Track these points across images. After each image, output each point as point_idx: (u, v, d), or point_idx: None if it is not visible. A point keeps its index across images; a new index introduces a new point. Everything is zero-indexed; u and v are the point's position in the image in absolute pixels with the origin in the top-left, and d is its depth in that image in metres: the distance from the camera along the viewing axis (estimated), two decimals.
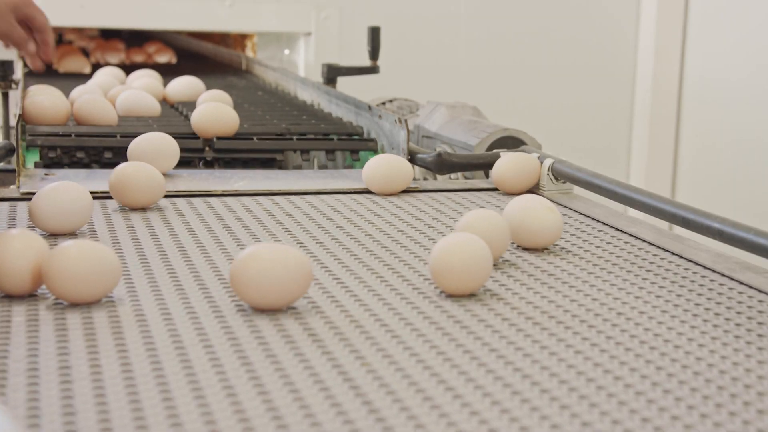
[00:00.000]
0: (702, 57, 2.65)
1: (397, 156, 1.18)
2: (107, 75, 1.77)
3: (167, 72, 1.96)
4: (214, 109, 1.32)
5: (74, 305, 0.74)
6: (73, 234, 0.94)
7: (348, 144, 1.36)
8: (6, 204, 1.07)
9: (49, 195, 0.93)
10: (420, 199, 1.15)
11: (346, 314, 0.74)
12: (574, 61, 2.71)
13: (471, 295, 0.79)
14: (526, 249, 0.93)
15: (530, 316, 0.75)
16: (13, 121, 1.58)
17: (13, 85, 1.79)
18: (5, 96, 1.77)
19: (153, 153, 1.18)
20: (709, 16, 2.63)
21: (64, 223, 0.93)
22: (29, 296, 0.76)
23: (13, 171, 1.22)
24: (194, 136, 1.32)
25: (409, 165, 1.17)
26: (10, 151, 1.20)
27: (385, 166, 1.16)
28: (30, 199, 1.08)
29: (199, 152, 1.30)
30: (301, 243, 0.95)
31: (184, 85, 1.68)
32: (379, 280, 0.83)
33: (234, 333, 0.70)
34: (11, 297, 0.76)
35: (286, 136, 1.37)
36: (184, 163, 1.29)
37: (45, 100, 1.36)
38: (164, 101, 1.66)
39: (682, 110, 2.72)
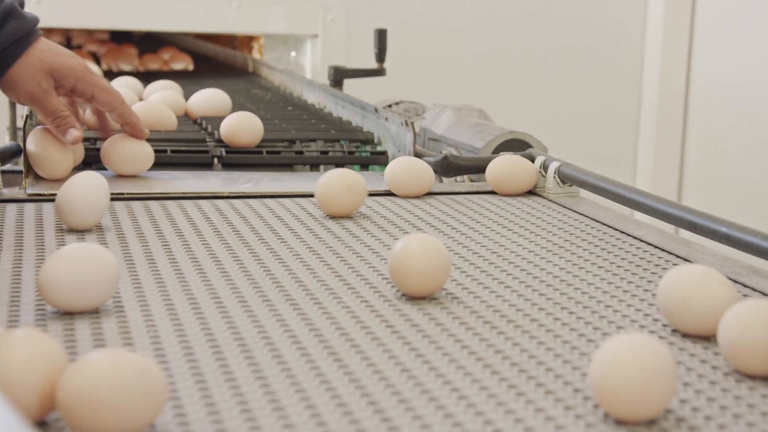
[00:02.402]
0: (709, 61, 2.65)
1: (418, 159, 1.18)
2: (122, 86, 1.61)
3: (181, 79, 1.94)
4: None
5: None
6: (94, 311, 0.73)
7: (358, 159, 1.35)
8: (14, 206, 1.07)
9: (64, 262, 0.72)
10: (442, 203, 1.15)
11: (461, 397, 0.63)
12: (581, 65, 2.71)
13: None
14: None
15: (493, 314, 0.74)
16: (20, 122, 1.58)
17: None
18: None
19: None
20: (715, 20, 2.62)
21: (82, 300, 0.72)
22: (37, 425, 0.55)
23: (20, 172, 1.22)
24: (205, 150, 1.32)
25: (429, 168, 1.17)
26: (17, 152, 1.20)
27: (405, 169, 1.16)
28: (37, 201, 1.08)
29: (208, 167, 1.30)
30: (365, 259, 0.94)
31: (208, 98, 1.54)
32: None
33: None
34: None
35: (296, 146, 1.36)
36: (191, 164, 1.30)
37: (52, 153, 1.16)
38: (186, 116, 1.54)
39: (689, 114, 2.71)
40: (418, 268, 0.76)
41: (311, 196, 1.16)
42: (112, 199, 1.10)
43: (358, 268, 0.87)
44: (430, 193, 1.19)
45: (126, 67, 2.33)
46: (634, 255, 0.93)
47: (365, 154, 1.36)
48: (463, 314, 0.75)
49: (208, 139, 1.36)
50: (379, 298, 0.78)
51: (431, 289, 0.77)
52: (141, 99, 1.59)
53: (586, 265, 0.90)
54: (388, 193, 1.17)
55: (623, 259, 0.92)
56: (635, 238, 1.00)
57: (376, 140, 1.41)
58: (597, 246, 0.96)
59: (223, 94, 1.56)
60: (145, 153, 1.20)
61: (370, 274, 0.85)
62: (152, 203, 1.09)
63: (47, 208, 1.05)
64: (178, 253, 0.90)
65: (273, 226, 1.01)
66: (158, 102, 1.43)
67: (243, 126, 1.32)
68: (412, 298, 0.78)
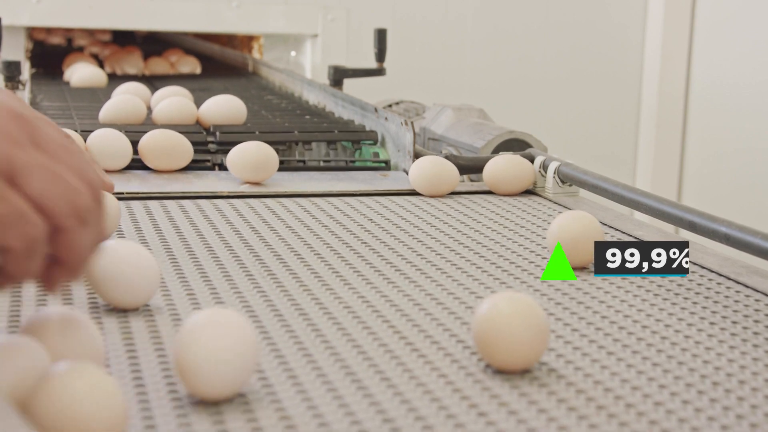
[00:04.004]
0: (709, 63, 2.65)
1: (441, 158, 1.19)
2: (129, 93, 1.53)
3: (186, 81, 1.92)
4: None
5: None
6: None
7: (348, 135, 1.38)
8: None
9: (58, 327, 0.58)
10: (470, 202, 1.14)
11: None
12: (581, 66, 2.71)
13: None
14: None
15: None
16: None
17: (20, 86, 1.79)
18: None
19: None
20: (715, 22, 2.62)
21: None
22: None
23: None
24: (198, 130, 1.36)
25: (454, 167, 1.18)
26: None
27: (431, 168, 1.17)
28: None
29: (203, 145, 1.32)
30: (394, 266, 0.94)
31: (221, 105, 1.43)
32: None
33: None
34: None
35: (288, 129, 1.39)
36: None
37: None
38: (197, 124, 1.44)
39: (689, 115, 2.71)
40: (509, 335, 0.62)
41: (311, 196, 1.16)
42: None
43: (419, 321, 0.73)
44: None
45: (131, 71, 2.25)
46: (745, 305, 0.79)
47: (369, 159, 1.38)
48: (567, 394, 0.60)
49: (209, 140, 1.36)
50: (460, 370, 0.64)
51: (526, 362, 0.63)
52: (149, 106, 1.52)
53: (667, 306, 0.77)
54: (413, 193, 1.18)
55: (715, 301, 0.80)
56: (635, 238, 0.99)
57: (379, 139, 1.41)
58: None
59: (237, 100, 1.45)
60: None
61: (441, 334, 0.70)
62: (152, 203, 1.09)
63: None
64: (192, 278, 0.82)
65: (285, 238, 0.99)
66: (175, 133, 1.26)
67: (260, 159, 1.18)
68: (503, 372, 0.64)
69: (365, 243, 0.95)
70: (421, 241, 0.96)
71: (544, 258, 0.91)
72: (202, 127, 1.42)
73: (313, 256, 0.90)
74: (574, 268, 0.85)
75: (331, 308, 0.75)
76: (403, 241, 0.96)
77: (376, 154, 1.37)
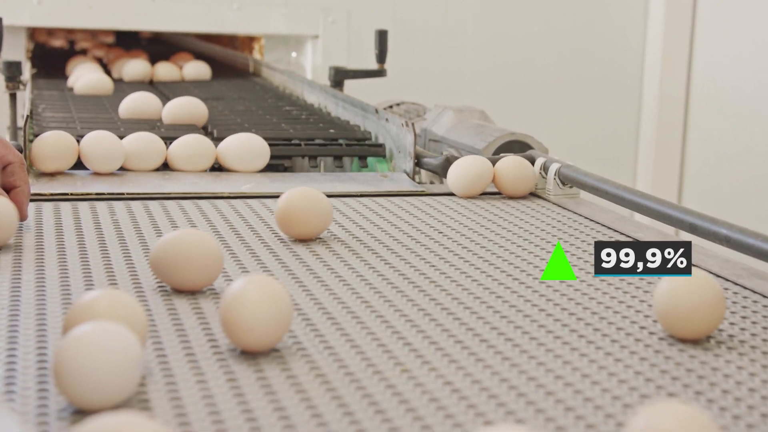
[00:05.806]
0: (709, 65, 2.65)
1: (480, 157, 1.19)
2: (139, 109, 1.47)
3: (197, 89, 1.88)
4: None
5: None
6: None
7: (356, 150, 1.36)
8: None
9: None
10: (498, 208, 1.14)
11: None
12: (581, 68, 2.71)
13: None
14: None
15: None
16: (20, 122, 1.58)
17: (21, 86, 1.79)
18: (13, 97, 1.78)
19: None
20: (716, 24, 2.62)
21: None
22: None
23: None
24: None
25: (490, 165, 1.18)
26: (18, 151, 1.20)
27: (469, 169, 1.17)
28: (37, 200, 1.08)
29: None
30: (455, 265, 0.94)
31: (242, 146, 1.26)
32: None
33: None
34: None
35: (294, 141, 1.37)
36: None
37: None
38: (217, 164, 1.28)
39: (689, 118, 2.71)
40: None
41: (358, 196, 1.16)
42: (116, 199, 1.10)
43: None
44: (428, 194, 1.19)
45: (137, 76, 2.12)
46: None
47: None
48: None
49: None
50: None
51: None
52: (160, 119, 1.45)
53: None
54: (416, 194, 1.18)
55: None
56: (635, 240, 0.99)
57: (374, 140, 1.41)
58: (591, 245, 0.95)
59: (259, 141, 1.27)
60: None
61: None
62: (152, 203, 1.09)
63: (47, 208, 1.05)
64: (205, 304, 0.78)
65: (295, 248, 0.99)
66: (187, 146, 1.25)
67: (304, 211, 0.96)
68: None
69: (370, 248, 0.95)
70: (457, 267, 0.96)
71: (598, 297, 0.86)
72: (221, 166, 1.27)
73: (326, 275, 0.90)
74: (685, 341, 0.71)
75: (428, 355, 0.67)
76: (432, 262, 0.94)
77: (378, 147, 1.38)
